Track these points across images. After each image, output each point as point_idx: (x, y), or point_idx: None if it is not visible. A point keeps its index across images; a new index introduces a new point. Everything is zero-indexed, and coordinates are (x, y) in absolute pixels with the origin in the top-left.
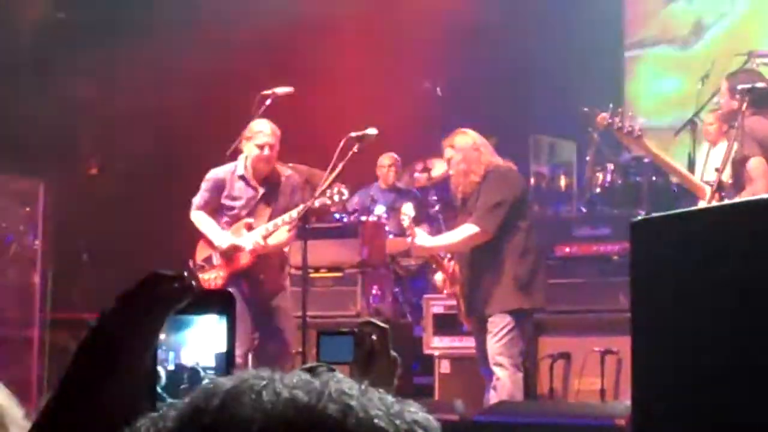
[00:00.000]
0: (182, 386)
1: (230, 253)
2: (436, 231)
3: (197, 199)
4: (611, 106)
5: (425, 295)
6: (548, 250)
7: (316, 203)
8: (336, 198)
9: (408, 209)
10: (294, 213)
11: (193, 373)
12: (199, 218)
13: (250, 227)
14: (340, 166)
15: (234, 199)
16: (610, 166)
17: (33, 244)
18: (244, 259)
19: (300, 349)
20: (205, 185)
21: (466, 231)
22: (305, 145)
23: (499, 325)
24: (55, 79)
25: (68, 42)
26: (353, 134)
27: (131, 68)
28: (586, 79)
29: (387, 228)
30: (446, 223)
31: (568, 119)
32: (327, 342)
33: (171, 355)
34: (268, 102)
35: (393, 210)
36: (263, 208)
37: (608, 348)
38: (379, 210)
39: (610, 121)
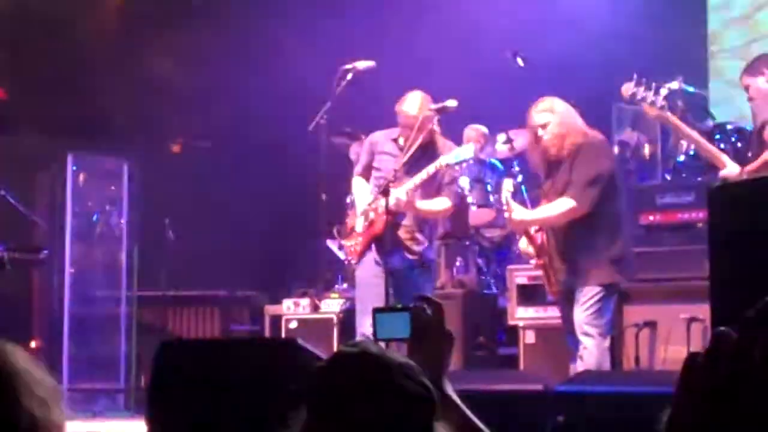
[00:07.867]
0: None
1: (369, 218)
2: (518, 202)
3: (357, 165)
4: (635, 76)
5: (509, 266)
6: (632, 219)
7: (438, 165)
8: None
9: (508, 185)
10: (417, 179)
11: None
12: (354, 183)
13: (387, 192)
14: (420, 138)
15: (381, 161)
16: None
17: (119, 223)
18: (378, 225)
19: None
20: (363, 148)
21: (563, 205)
22: (386, 117)
23: (587, 295)
24: (138, 60)
25: (152, 23)
26: (432, 106)
27: (213, 48)
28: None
29: (470, 200)
30: (529, 194)
31: None
32: (382, 319)
33: None
34: (349, 76)
35: (476, 182)
36: (406, 173)
37: (694, 316)
38: (463, 182)
39: (633, 91)
